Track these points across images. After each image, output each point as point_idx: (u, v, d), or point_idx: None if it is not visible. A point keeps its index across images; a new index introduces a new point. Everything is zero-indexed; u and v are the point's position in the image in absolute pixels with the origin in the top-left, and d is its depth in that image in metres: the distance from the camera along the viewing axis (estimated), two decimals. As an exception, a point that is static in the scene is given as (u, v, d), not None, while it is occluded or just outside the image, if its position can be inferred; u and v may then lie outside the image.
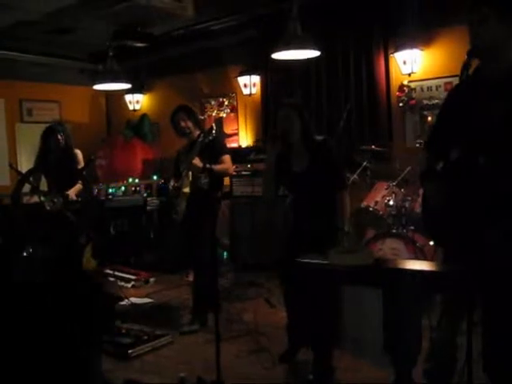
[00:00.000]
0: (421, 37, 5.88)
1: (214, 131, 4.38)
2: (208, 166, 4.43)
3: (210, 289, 4.29)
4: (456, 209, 2.53)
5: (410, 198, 5.07)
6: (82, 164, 5.23)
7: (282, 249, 3.85)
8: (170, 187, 4.77)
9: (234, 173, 6.54)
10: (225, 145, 4.98)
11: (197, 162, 4.43)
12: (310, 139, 3.73)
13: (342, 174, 3.88)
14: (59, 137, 5.16)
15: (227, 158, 4.67)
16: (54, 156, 5.21)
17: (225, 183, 5.06)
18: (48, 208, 4.72)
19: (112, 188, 7.05)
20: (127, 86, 6.68)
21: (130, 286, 6.19)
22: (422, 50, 5.94)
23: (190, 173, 4.56)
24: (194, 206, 4.58)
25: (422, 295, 2.57)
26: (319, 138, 3.76)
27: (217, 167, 4.52)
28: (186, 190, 4.59)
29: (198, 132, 4.70)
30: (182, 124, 4.68)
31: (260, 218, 6.39)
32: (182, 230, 4.90)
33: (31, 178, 4.48)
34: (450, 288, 2.60)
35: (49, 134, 5.23)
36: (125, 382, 2.99)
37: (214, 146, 4.60)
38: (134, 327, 4.46)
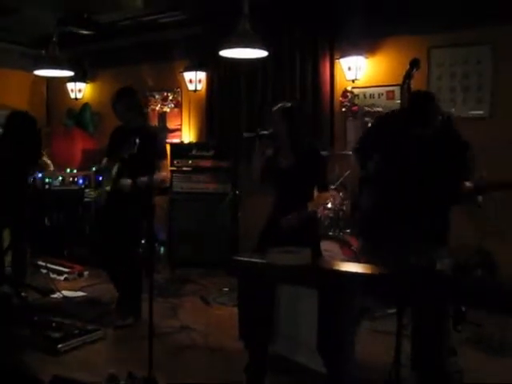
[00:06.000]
0: (366, 44, 6.00)
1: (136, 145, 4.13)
2: (138, 182, 4.29)
3: (139, 284, 4.44)
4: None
5: (347, 202, 5.17)
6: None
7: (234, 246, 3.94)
8: (102, 165, 4.69)
9: (175, 168, 6.51)
10: (165, 148, 4.78)
11: (125, 183, 4.37)
12: (298, 141, 3.91)
13: (327, 178, 4.13)
14: None
15: (164, 164, 4.59)
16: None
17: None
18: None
19: (49, 178, 6.86)
20: (70, 73, 6.51)
21: (62, 278, 6.04)
22: (366, 57, 6.06)
23: None
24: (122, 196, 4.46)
25: (356, 297, 2.63)
26: (311, 140, 4.12)
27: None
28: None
29: (140, 120, 4.68)
30: (123, 112, 4.60)
31: (201, 215, 6.36)
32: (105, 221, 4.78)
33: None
34: (382, 290, 2.66)
35: None
36: (53, 377, 2.89)
37: (157, 146, 4.52)
38: (64, 321, 4.34)
